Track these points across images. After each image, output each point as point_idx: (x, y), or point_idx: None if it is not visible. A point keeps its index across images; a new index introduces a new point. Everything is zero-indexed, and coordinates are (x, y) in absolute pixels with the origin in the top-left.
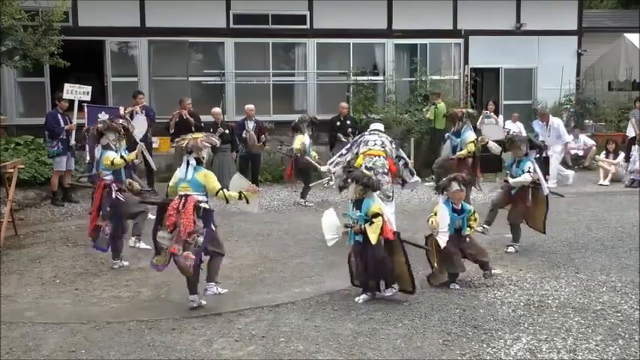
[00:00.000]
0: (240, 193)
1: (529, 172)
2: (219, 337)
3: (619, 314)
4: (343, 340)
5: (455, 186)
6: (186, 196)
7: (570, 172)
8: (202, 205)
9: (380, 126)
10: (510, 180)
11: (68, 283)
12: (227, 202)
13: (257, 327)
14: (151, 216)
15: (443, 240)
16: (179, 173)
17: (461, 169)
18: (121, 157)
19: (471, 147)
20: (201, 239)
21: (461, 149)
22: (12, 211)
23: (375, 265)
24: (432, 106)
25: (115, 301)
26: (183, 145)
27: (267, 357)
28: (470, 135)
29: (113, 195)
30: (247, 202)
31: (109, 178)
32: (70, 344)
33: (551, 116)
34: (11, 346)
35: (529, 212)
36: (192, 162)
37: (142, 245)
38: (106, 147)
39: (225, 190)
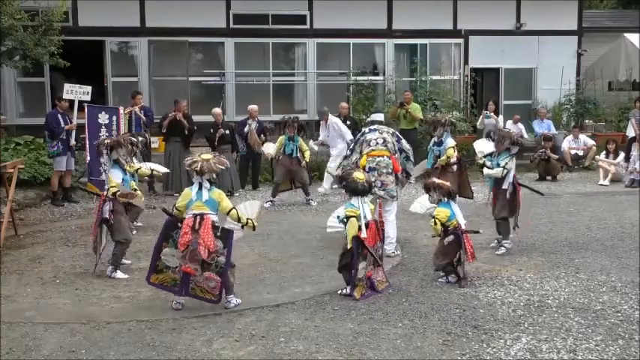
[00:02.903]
0: (248, 220)
1: (504, 166)
2: (219, 337)
3: (619, 314)
4: (343, 340)
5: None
6: (202, 215)
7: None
8: (219, 224)
9: (380, 116)
10: (485, 170)
11: (68, 283)
12: (238, 221)
13: (257, 327)
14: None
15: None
16: (192, 195)
17: (446, 176)
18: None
19: (450, 152)
20: (222, 259)
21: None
22: (12, 211)
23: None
24: (401, 107)
25: (115, 301)
26: (197, 168)
27: (267, 357)
28: (450, 141)
29: (106, 214)
30: (254, 228)
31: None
32: (70, 344)
33: (330, 115)
34: (11, 346)
35: (512, 206)
36: (207, 185)
37: (119, 275)
38: (117, 162)
39: (237, 209)
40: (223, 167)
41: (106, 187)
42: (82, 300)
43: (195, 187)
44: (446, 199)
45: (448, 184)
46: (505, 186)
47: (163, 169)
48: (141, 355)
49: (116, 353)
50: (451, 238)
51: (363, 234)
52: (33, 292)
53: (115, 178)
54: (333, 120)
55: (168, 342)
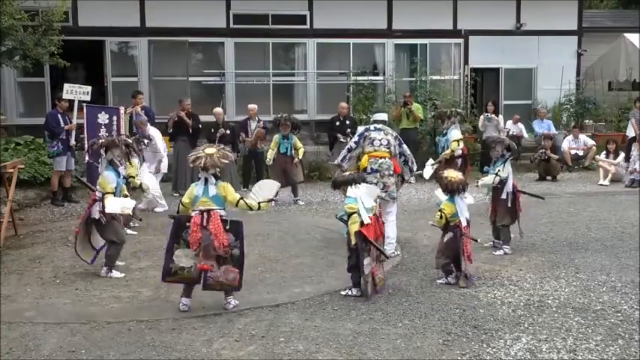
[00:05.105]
0: (259, 204)
1: (497, 173)
2: (219, 337)
3: (619, 314)
4: (343, 340)
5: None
6: (209, 211)
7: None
8: (227, 217)
9: (384, 116)
10: (479, 181)
11: (68, 283)
12: (250, 209)
13: (257, 327)
14: (130, 232)
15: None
16: (196, 191)
17: (450, 168)
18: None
19: (454, 145)
20: (236, 251)
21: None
22: (12, 211)
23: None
24: (405, 106)
25: (115, 301)
26: (200, 164)
27: (267, 357)
28: (455, 134)
29: (95, 215)
30: (259, 208)
31: (98, 195)
32: (70, 344)
33: (149, 125)
34: (11, 346)
35: (512, 214)
36: (212, 180)
37: (115, 274)
38: (111, 162)
39: (244, 199)
40: (227, 161)
41: (98, 188)
42: (82, 300)
43: (200, 183)
44: (451, 195)
45: (459, 177)
46: (504, 196)
47: (151, 193)
48: (141, 355)
49: (116, 353)
50: (450, 235)
51: (366, 220)
52: (33, 292)
53: (108, 182)
54: (152, 131)
55: (168, 342)
